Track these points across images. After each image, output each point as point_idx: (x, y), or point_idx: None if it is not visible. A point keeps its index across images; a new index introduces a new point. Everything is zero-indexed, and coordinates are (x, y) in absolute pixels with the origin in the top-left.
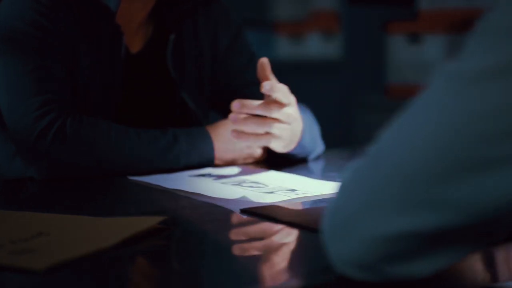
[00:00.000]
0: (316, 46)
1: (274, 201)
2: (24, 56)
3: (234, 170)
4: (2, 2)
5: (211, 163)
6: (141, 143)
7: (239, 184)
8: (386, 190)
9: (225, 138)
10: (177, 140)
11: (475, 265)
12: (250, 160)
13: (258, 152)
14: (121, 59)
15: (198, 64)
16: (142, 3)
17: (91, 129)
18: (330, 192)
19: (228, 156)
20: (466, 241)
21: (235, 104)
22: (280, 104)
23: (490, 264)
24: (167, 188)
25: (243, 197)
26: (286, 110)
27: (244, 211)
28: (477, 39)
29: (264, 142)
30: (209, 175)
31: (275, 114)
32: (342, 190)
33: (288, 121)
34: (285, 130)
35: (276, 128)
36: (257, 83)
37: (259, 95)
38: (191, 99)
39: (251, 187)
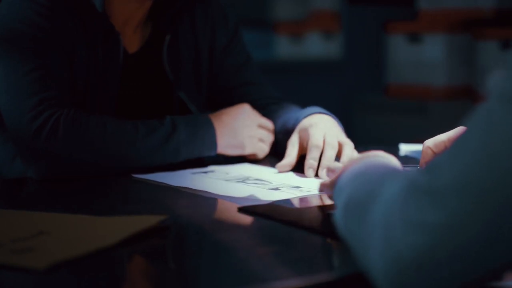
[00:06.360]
0: (316, 46)
1: (281, 198)
2: (22, 56)
3: (236, 167)
4: (1, 3)
5: (213, 152)
6: (137, 136)
7: (243, 181)
8: None
9: (229, 125)
10: (176, 130)
11: None
12: (255, 150)
13: (258, 144)
14: (119, 59)
15: (196, 64)
16: (138, 3)
17: (84, 123)
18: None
19: (232, 143)
20: None
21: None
22: None
23: None
24: (171, 186)
25: (251, 195)
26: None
27: (242, 210)
28: None
29: None
30: (212, 172)
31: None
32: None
33: None
34: None
35: None
36: (252, 82)
37: (254, 95)
38: (189, 99)
39: (256, 184)
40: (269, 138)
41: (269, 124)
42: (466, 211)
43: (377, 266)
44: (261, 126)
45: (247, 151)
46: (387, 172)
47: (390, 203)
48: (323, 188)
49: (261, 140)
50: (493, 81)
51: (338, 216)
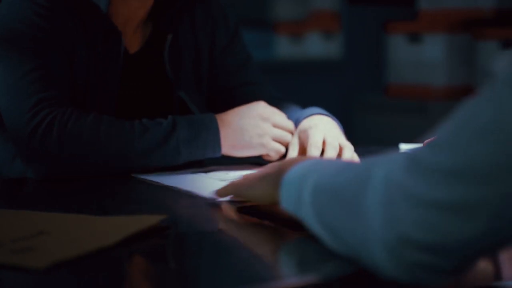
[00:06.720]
0: (316, 46)
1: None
2: (21, 57)
3: (235, 170)
4: (1, 3)
5: (217, 153)
6: (134, 135)
7: None
8: None
9: (234, 124)
10: (175, 128)
11: (479, 263)
12: (267, 151)
13: (270, 143)
14: (119, 59)
15: (196, 64)
16: (139, 3)
17: (78, 122)
18: None
19: (239, 144)
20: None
21: None
22: None
23: (493, 262)
24: (172, 186)
25: None
26: None
27: (242, 210)
28: None
29: None
30: (212, 172)
31: None
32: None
33: None
34: None
35: None
36: (252, 82)
37: (255, 95)
38: (190, 99)
39: None
40: (286, 137)
41: (287, 123)
42: (473, 194)
43: (378, 247)
44: (277, 125)
45: (257, 152)
46: (355, 162)
47: (389, 182)
48: (225, 194)
49: (276, 139)
50: (498, 65)
51: (304, 210)
